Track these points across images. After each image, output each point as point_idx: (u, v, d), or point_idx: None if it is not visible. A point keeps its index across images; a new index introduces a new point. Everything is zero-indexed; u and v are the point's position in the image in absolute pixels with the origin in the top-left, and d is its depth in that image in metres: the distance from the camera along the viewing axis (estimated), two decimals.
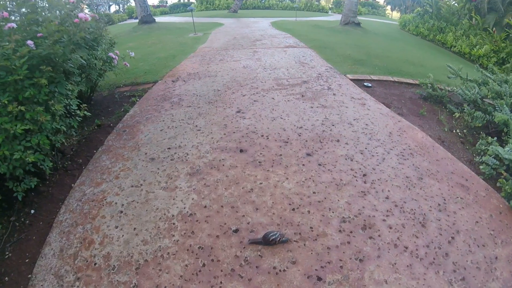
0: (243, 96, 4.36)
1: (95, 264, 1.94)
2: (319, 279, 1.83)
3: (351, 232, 2.14)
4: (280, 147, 3.07)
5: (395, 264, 1.94)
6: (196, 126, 3.52)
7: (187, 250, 2.00)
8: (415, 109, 4.28)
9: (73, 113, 2.89)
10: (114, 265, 1.93)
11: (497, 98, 4.04)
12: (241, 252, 1.98)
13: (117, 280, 1.84)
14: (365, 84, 5.06)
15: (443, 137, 3.58)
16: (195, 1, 27.51)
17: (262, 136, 3.26)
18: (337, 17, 17.10)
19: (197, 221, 2.21)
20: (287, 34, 9.87)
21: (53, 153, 2.82)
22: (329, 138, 3.26)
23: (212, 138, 3.25)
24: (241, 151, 3.01)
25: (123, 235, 2.12)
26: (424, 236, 2.14)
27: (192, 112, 3.88)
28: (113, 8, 27.80)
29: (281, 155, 2.94)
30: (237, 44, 8.19)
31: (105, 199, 2.45)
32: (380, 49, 8.23)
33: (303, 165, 2.81)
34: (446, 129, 3.81)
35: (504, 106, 3.60)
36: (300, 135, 3.29)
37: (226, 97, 4.33)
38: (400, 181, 2.66)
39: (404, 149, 3.13)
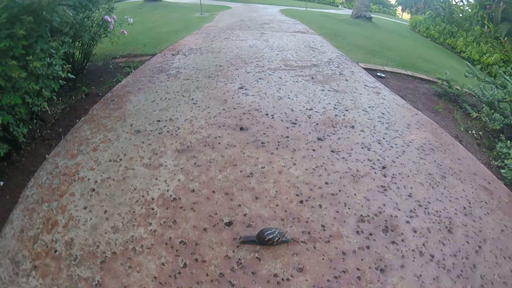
0: (247, 73, 3.95)
1: (55, 251, 1.55)
2: None
3: (370, 234, 1.74)
4: (287, 128, 2.66)
5: (421, 276, 1.56)
6: (193, 99, 3.11)
7: (166, 244, 1.59)
8: (430, 105, 3.90)
9: (55, 75, 2.49)
10: (76, 255, 1.53)
11: None
12: (233, 252, 1.57)
13: (78, 275, 1.45)
14: (378, 74, 4.67)
15: (460, 136, 3.22)
16: None
17: (267, 115, 2.86)
18: (347, 11, 16.79)
19: (181, 207, 1.80)
20: (297, 21, 9.40)
21: (33, 119, 2.47)
22: (342, 123, 2.87)
23: (209, 113, 2.84)
24: (241, 129, 2.61)
25: (91, 218, 1.72)
26: (451, 243, 1.78)
27: (190, 85, 3.47)
28: None
29: (287, 137, 2.53)
30: (244, 26, 7.76)
31: (78, 174, 2.04)
32: (393, 43, 7.85)
33: (314, 150, 2.40)
34: (462, 128, 3.44)
35: None
36: (310, 117, 2.89)
37: (229, 73, 3.92)
38: (422, 178, 2.27)
39: (424, 143, 2.74)
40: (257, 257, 1.56)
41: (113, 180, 2.00)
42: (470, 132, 3.46)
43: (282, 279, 1.47)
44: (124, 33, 4.03)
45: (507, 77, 4.53)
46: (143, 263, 1.50)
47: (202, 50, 5.07)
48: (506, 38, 10.34)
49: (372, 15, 13.26)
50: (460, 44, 11.32)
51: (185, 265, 1.50)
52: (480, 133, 3.52)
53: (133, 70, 4.05)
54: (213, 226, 1.71)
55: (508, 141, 3.07)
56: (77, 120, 2.74)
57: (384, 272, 1.55)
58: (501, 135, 3.43)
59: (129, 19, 4.08)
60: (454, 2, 14.35)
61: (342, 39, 6.91)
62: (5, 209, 1.81)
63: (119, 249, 1.56)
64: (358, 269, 1.55)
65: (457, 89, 4.41)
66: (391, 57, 5.93)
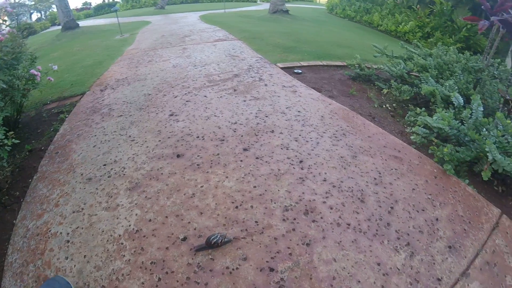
0: (175, 97, 4.32)
1: None
2: (272, 270, 1.90)
3: (294, 219, 2.23)
4: (217, 146, 3.10)
5: (341, 242, 2.06)
6: (130, 136, 3.43)
7: (140, 267, 1.97)
8: (345, 90, 4.53)
9: (0, 144, 2.70)
10: None
11: (423, 71, 4.41)
12: (192, 259, 1.99)
13: None
14: (295, 71, 5.25)
15: (373, 113, 3.83)
16: (120, 1, 26.65)
17: (198, 137, 3.26)
18: (266, 5, 17.49)
19: (144, 236, 2.18)
20: (216, 27, 9.92)
21: None
22: (263, 130, 3.35)
23: (147, 147, 3.19)
24: (178, 156, 2.99)
25: (75, 265, 2.04)
26: (364, 210, 2.30)
27: (124, 122, 3.77)
28: (35, 16, 25.86)
29: (218, 154, 2.97)
30: (166, 42, 8.08)
31: (50, 231, 2.32)
32: (309, 34, 8.55)
33: (241, 161, 2.86)
34: (376, 105, 4.08)
35: (429, 78, 3.93)
36: (235, 131, 3.34)
37: (158, 101, 4.27)
38: (335, 162, 2.81)
39: (336, 131, 3.31)
40: (211, 258, 1.99)
41: (82, 228, 2.30)
42: (384, 106, 4.10)
43: (233, 269, 1.92)
44: (51, 80, 4.23)
45: (412, 49, 5.29)
46: (128, 286, 1.87)
47: (128, 79, 5.32)
48: (418, 6, 11.51)
49: (289, 6, 14.09)
50: (376, 19, 12.42)
51: (159, 279, 1.89)
52: (394, 105, 4.16)
53: (67, 116, 4.23)
54: (172, 244, 2.10)
55: (418, 108, 3.66)
56: (30, 180, 2.94)
57: (309, 246, 2.04)
58: (409, 104, 4.10)
59: (53, 66, 4.30)
60: None
61: (261, 41, 7.49)
62: None
63: (106, 282, 1.90)
64: (288, 247, 2.03)
65: (368, 68, 5.09)
66: (307, 50, 6.58)
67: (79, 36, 11.24)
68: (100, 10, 24.88)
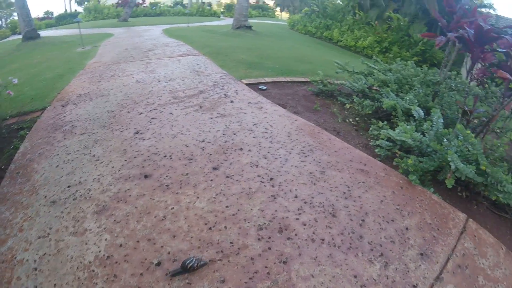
0: (140, 114, 4.24)
1: None
2: None
3: (269, 237, 2.24)
4: (185, 165, 3.06)
5: (317, 257, 2.09)
6: (94, 156, 3.32)
7: None
8: (310, 106, 4.65)
9: None
10: None
11: (383, 86, 4.60)
12: (169, 284, 1.93)
13: None
14: (260, 87, 5.32)
15: (338, 128, 3.95)
16: (82, 11, 26.18)
17: (165, 156, 3.21)
18: (229, 21, 17.65)
19: (116, 262, 2.09)
20: (180, 42, 9.90)
21: None
22: (232, 147, 3.35)
23: (113, 167, 3.09)
24: (145, 176, 2.92)
25: None
26: (337, 225, 2.35)
27: (88, 140, 3.65)
28: None
29: (187, 174, 2.93)
30: (129, 56, 7.96)
31: (15, 258, 2.19)
32: (272, 50, 8.73)
33: (211, 180, 2.84)
34: (339, 120, 4.21)
35: (390, 92, 4.11)
36: (203, 149, 3.32)
37: (122, 118, 4.17)
38: (305, 178, 2.86)
39: (304, 147, 3.37)
40: (188, 283, 1.94)
41: (50, 255, 2.18)
42: (347, 121, 4.23)
43: None
44: (11, 94, 4.11)
45: (372, 64, 5.51)
46: None
47: (91, 95, 5.18)
48: (376, 22, 12.12)
49: (252, 21, 14.36)
50: (336, 34, 12.90)
51: None
52: (357, 119, 4.31)
53: (27, 132, 4.06)
54: (146, 269, 2.03)
55: (380, 122, 3.82)
56: None
57: (286, 263, 2.05)
58: (372, 119, 4.26)
59: (13, 80, 4.18)
60: None
61: (225, 56, 7.55)
62: None
63: None
64: (266, 266, 2.03)
65: (331, 84, 5.26)
66: (270, 66, 6.71)
67: (40, 47, 10.96)
68: (62, 20, 24.33)
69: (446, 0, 3.89)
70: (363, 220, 2.41)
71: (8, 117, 4.69)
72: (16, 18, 19.61)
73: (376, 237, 2.27)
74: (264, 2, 33.89)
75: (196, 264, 1.97)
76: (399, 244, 2.23)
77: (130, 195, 2.71)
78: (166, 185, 2.80)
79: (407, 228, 2.36)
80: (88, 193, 2.78)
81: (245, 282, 1.94)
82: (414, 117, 3.61)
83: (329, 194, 2.66)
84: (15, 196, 2.84)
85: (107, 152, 3.38)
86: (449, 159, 2.66)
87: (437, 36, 3.64)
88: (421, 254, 2.17)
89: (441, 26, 4.01)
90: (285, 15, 28.42)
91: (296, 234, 2.26)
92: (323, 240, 2.22)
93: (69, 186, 2.88)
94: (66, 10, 27.29)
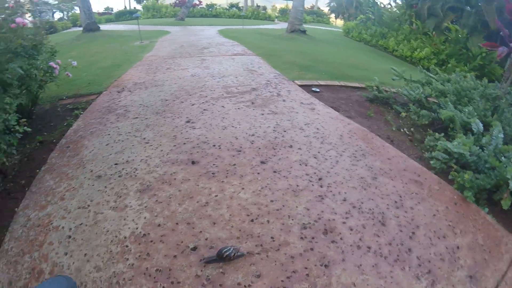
0: (192, 105, 4.31)
1: None
2: None
3: (313, 238, 2.14)
4: (233, 156, 3.04)
5: (361, 265, 1.97)
6: (144, 138, 3.40)
7: (144, 274, 1.88)
8: (363, 111, 4.49)
9: (12, 130, 2.69)
10: None
11: (441, 96, 4.37)
12: (201, 271, 1.89)
13: None
14: (313, 89, 5.23)
15: (391, 136, 3.77)
16: (141, 9, 27.48)
17: (214, 146, 3.22)
18: (283, 25, 17.74)
19: (151, 241, 2.09)
20: (235, 42, 10.03)
21: None
22: (282, 144, 3.30)
23: (162, 150, 3.15)
24: (193, 163, 2.94)
25: (73, 262, 1.96)
26: (385, 234, 2.21)
27: (139, 124, 3.76)
28: (57, 16, 26.66)
29: (235, 164, 2.91)
30: (184, 52, 8.17)
31: (51, 223, 2.26)
32: (326, 55, 8.60)
33: (258, 173, 2.79)
34: (393, 128, 4.02)
35: (449, 103, 3.89)
36: (252, 143, 3.29)
37: (175, 107, 4.26)
38: (355, 182, 2.73)
39: (356, 151, 3.24)
40: (221, 272, 1.89)
41: (86, 225, 2.23)
42: (402, 130, 4.04)
43: (245, 286, 1.82)
44: (69, 76, 4.32)
45: (430, 74, 5.26)
46: None
47: (146, 84, 5.36)
48: (434, 32, 11.58)
49: (306, 26, 14.26)
50: (391, 44, 12.48)
51: None
52: (412, 129, 4.10)
53: (82, 112, 4.26)
54: (181, 252, 2.01)
55: (436, 133, 3.62)
56: (38, 171, 2.92)
57: (328, 267, 1.94)
58: (428, 130, 4.04)
59: (73, 62, 4.38)
60: (382, 6, 15.73)
61: (278, 58, 7.52)
62: None
63: (105, 285, 1.82)
64: (305, 268, 1.93)
65: (386, 91, 5.06)
66: (324, 70, 6.59)
67: (99, 39, 11.50)
68: (121, 16, 25.62)
69: (509, 8, 3.59)
70: (413, 233, 2.25)
71: (64, 97, 4.95)
72: (77, 11, 20.81)
73: (426, 252, 2.11)
74: (319, 8, 33.70)
75: (233, 254, 1.91)
76: (448, 263, 2.06)
77: (175, 178, 2.72)
78: (212, 173, 2.79)
79: (458, 247, 2.19)
80: (134, 172, 2.83)
81: (282, 281, 1.85)
82: (472, 131, 3.40)
83: (380, 201, 2.52)
84: (62, 168, 2.96)
85: (157, 137, 3.44)
86: (508, 176, 2.47)
87: (499, 47, 3.38)
88: (470, 277, 2.00)
89: (502, 35, 3.72)
90: (339, 22, 27.97)
91: (341, 238, 2.15)
92: (369, 248, 2.09)
93: (116, 164, 2.96)
94: (125, 7, 28.63)
